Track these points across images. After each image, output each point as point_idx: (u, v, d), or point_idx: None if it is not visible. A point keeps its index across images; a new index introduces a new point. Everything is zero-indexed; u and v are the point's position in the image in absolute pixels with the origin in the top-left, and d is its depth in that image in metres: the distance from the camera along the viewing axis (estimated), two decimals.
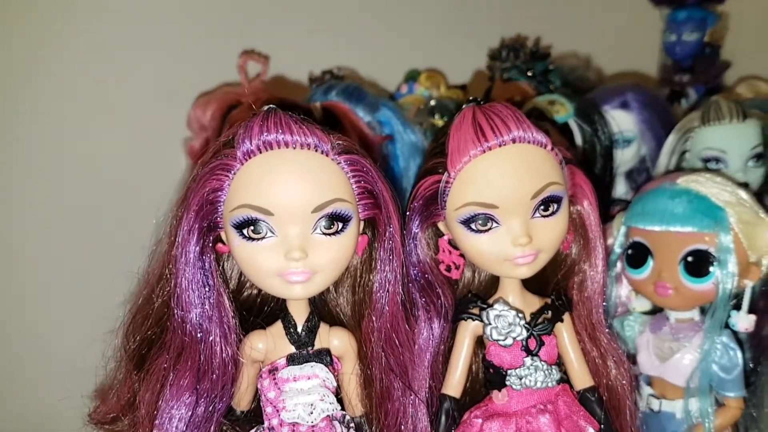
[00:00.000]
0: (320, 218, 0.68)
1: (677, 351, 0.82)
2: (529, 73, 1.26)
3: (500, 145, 0.71)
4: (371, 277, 0.75)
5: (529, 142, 0.72)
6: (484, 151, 0.71)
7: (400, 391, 0.74)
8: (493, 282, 0.81)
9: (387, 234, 0.73)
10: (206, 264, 0.69)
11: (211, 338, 0.69)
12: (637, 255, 0.83)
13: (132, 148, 1.16)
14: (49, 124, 1.12)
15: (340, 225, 0.69)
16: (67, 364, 0.92)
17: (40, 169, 1.12)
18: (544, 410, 0.76)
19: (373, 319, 0.74)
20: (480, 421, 0.78)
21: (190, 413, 0.68)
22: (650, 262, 0.82)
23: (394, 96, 1.33)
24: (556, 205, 0.74)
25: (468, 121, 0.73)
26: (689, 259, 0.79)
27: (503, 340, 0.76)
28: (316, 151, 0.68)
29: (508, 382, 0.77)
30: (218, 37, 1.23)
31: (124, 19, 1.16)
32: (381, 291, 0.74)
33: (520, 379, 0.76)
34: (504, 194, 0.71)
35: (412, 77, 1.34)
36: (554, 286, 0.82)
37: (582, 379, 0.79)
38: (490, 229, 0.73)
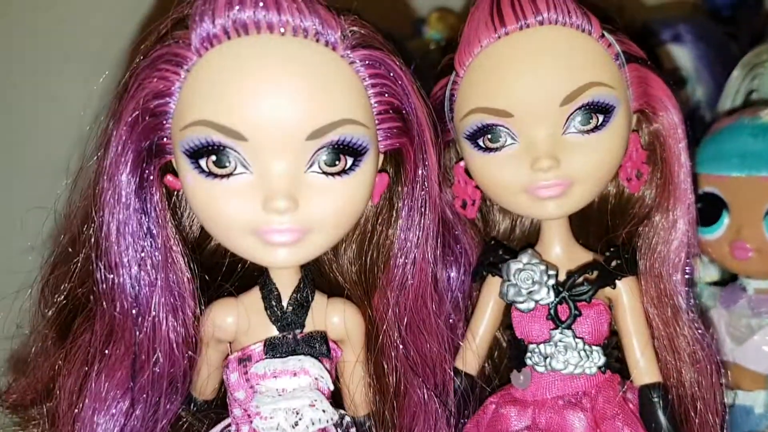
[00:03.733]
0: (320, 149, 0.49)
1: (758, 330, 0.74)
2: None
3: (521, 29, 0.55)
4: (390, 234, 0.57)
5: (563, 24, 0.56)
6: (500, 38, 0.56)
7: (421, 393, 0.57)
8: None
9: (418, 175, 0.55)
10: (147, 203, 0.52)
11: (153, 314, 0.52)
12: (709, 209, 0.73)
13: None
14: None
15: (350, 160, 0.50)
16: None
17: None
18: (575, 405, 0.61)
19: (389, 292, 0.56)
20: (494, 406, 0.65)
21: (122, 420, 0.52)
22: (725, 218, 0.73)
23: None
24: (602, 117, 0.57)
25: (486, 1, 0.57)
26: None
27: (522, 303, 0.61)
28: (318, 41, 0.49)
29: (529, 361, 0.62)
30: None
31: None
32: (403, 256, 0.56)
33: (545, 358, 0.61)
34: (521, 97, 0.55)
35: (419, 20, 1.21)
36: (624, 242, 0.65)
37: (644, 370, 0.62)
38: (502, 146, 0.57)
